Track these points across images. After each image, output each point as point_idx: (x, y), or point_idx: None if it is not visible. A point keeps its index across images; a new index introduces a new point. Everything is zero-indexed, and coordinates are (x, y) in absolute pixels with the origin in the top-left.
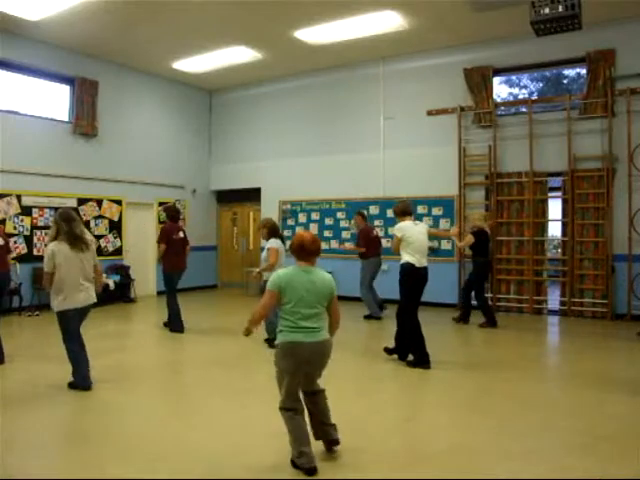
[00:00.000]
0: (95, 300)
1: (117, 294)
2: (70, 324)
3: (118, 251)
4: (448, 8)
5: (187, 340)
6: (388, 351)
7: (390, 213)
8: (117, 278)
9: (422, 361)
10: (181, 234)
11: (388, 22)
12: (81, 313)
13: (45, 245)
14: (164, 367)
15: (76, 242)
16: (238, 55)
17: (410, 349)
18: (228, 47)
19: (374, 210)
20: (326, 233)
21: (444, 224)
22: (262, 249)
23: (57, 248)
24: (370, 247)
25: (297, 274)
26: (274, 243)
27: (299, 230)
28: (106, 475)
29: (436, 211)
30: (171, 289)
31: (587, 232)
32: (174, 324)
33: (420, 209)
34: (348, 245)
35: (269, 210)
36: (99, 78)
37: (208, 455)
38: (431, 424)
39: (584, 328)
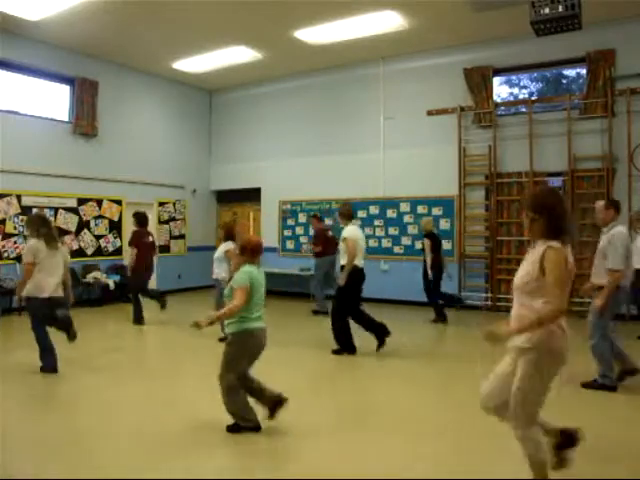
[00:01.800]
0: (62, 295)
1: (117, 294)
2: (37, 311)
3: (118, 251)
4: (448, 8)
5: (186, 339)
6: (379, 344)
7: (391, 213)
8: (117, 278)
9: (348, 349)
10: (150, 238)
11: (388, 22)
12: (50, 304)
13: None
14: (163, 366)
15: (52, 242)
16: (238, 55)
17: (340, 340)
18: (228, 47)
19: (374, 210)
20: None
21: (444, 224)
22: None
23: (38, 245)
24: (325, 246)
25: (256, 271)
26: (231, 245)
27: (249, 235)
28: (106, 475)
29: (436, 211)
30: (136, 287)
31: (587, 232)
32: (137, 316)
33: (420, 209)
34: (306, 246)
35: (269, 210)
36: (99, 78)
37: (208, 453)
38: (430, 423)
39: (584, 328)
